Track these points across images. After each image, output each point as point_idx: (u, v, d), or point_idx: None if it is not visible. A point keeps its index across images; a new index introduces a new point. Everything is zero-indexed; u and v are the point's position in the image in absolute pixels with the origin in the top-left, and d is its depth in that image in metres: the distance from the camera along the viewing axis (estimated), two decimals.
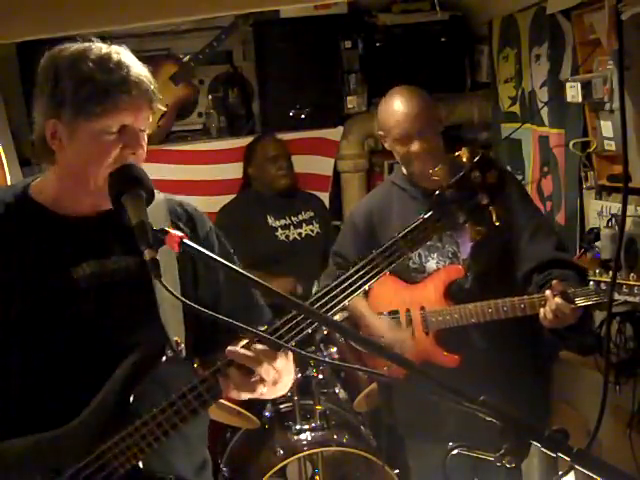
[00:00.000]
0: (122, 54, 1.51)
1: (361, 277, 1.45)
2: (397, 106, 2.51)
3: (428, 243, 2.38)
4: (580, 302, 2.19)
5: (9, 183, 2.45)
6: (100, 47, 1.50)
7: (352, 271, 1.45)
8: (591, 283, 2.17)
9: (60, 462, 1.46)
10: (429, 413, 2.44)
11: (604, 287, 2.12)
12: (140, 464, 1.47)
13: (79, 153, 1.51)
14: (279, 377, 1.45)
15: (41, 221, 1.57)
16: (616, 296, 2.04)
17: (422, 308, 2.53)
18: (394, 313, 2.59)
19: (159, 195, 1.59)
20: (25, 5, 1.96)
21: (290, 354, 1.47)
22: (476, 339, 2.49)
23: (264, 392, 1.46)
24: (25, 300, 1.52)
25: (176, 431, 1.46)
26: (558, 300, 2.19)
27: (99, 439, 1.46)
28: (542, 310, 2.25)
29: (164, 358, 1.50)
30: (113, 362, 1.50)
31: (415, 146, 2.48)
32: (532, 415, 2.33)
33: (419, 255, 2.53)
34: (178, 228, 1.54)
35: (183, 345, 1.54)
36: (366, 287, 1.46)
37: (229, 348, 1.42)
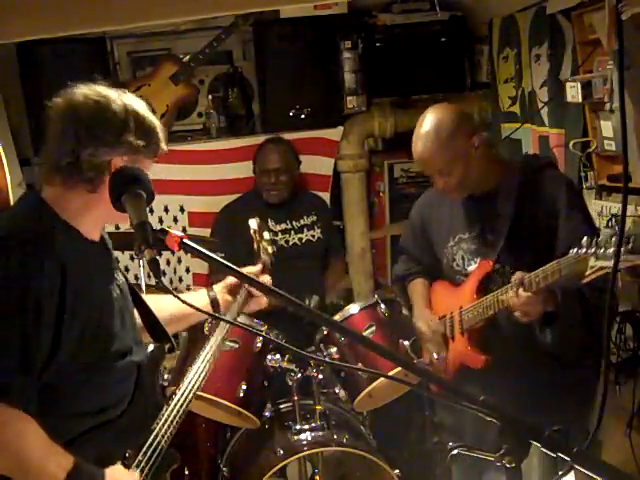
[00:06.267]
0: None
1: None
2: (414, 145, 2.37)
3: (472, 247, 2.47)
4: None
5: (9, 183, 2.45)
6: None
7: None
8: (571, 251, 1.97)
9: (127, 446, 1.70)
10: None
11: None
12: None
13: None
14: None
15: (79, 243, 1.65)
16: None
17: (460, 308, 2.49)
18: (443, 318, 2.58)
19: None
20: (25, 5, 1.96)
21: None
22: (507, 338, 2.40)
23: None
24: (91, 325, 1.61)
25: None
26: (522, 293, 2.14)
27: (151, 421, 1.75)
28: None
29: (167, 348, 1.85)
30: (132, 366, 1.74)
31: (435, 183, 2.40)
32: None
33: (462, 258, 2.49)
34: None
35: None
36: None
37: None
